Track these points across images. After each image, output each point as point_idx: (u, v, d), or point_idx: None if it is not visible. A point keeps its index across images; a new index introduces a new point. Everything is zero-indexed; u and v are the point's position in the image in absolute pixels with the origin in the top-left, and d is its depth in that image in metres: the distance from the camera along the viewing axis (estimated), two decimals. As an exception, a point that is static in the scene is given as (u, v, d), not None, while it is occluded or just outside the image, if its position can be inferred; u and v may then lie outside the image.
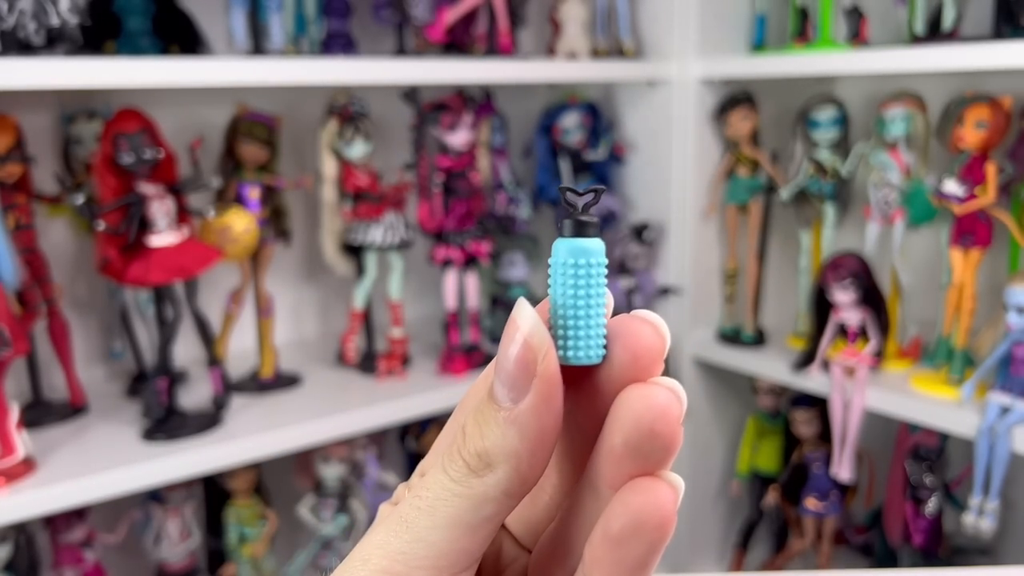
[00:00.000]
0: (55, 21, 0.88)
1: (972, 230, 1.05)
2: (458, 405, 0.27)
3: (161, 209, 0.95)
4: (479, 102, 1.23)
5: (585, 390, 0.23)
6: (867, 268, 1.14)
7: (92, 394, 1.11)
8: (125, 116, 0.93)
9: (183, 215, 0.99)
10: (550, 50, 1.33)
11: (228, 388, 1.05)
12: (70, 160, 1.10)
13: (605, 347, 0.23)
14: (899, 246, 1.17)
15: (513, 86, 1.41)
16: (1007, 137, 1.06)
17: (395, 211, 1.17)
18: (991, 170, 1.02)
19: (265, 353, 1.15)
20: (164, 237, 0.96)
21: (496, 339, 1.35)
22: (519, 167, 1.42)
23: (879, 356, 1.15)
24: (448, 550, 0.22)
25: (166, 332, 1.00)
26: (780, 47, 1.32)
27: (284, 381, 1.15)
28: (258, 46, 1.10)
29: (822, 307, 1.17)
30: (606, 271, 0.23)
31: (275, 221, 1.15)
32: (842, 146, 1.24)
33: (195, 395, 1.10)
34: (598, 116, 1.37)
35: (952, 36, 1.08)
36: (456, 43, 1.24)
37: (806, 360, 1.19)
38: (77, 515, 1.01)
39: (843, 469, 1.17)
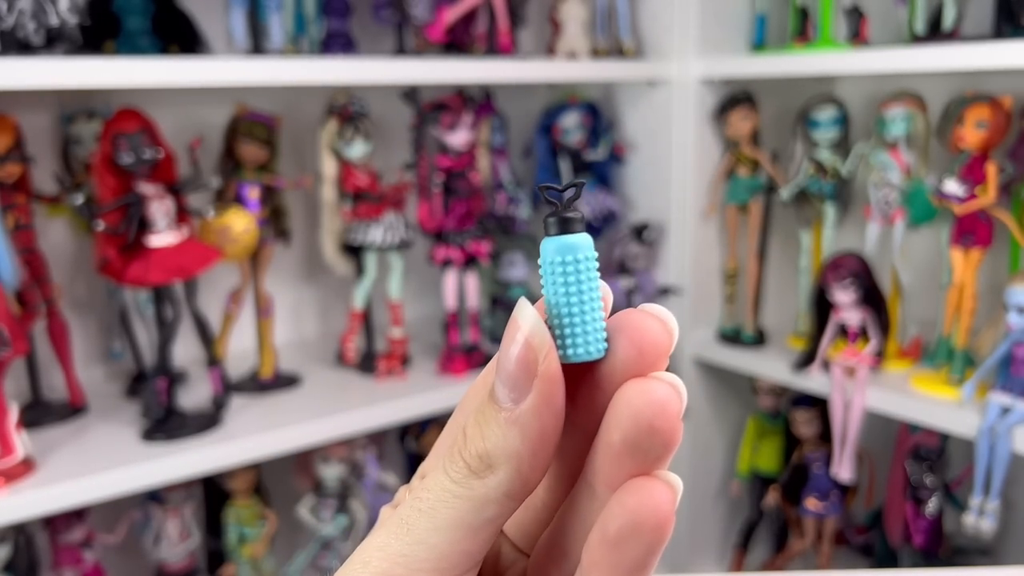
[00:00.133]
0: (54, 21, 0.88)
1: (972, 230, 1.05)
2: (458, 405, 0.26)
3: (160, 209, 0.95)
4: (479, 102, 1.22)
5: (583, 388, 0.23)
6: (867, 268, 1.14)
7: (91, 394, 1.11)
8: (124, 116, 0.93)
9: (182, 215, 0.99)
10: (550, 50, 1.33)
11: (228, 388, 1.05)
12: (69, 160, 1.10)
13: (606, 340, 0.22)
14: (899, 246, 1.17)
15: (513, 86, 1.41)
16: (1007, 137, 1.06)
17: (395, 211, 1.17)
18: (991, 170, 1.02)
19: (265, 353, 1.15)
20: (163, 237, 0.95)
21: (496, 339, 1.35)
22: (519, 167, 1.42)
23: (879, 356, 1.15)
24: (449, 552, 0.21)
25: (165, 332, 1.00)
26: (780, 47, 1.32)
27: (284, 381, 1.15)
28: (258, 46, 1.09)
29: (822, 307, 1.17)
30: (597, 264, 0.23)
31: (275, 221, 1.15)
32: (842, 146, 1.24)
33: (195, 395, 1.10)
34: (598, 116, 1.37)
35: (952, 36, 1.08)
36: (456, 43, 1.23)
37: (806, 360, 1.19)
38: (76, 515, 1.01)
39: (843, 469, 1.17)
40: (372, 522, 1.17)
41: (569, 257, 0.23)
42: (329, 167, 1.14)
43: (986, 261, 1.08)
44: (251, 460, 1.00)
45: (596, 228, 1.37)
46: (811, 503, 1.25)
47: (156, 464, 0.92)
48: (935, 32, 1.09)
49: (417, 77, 1.07)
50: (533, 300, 0.24)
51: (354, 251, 1.20)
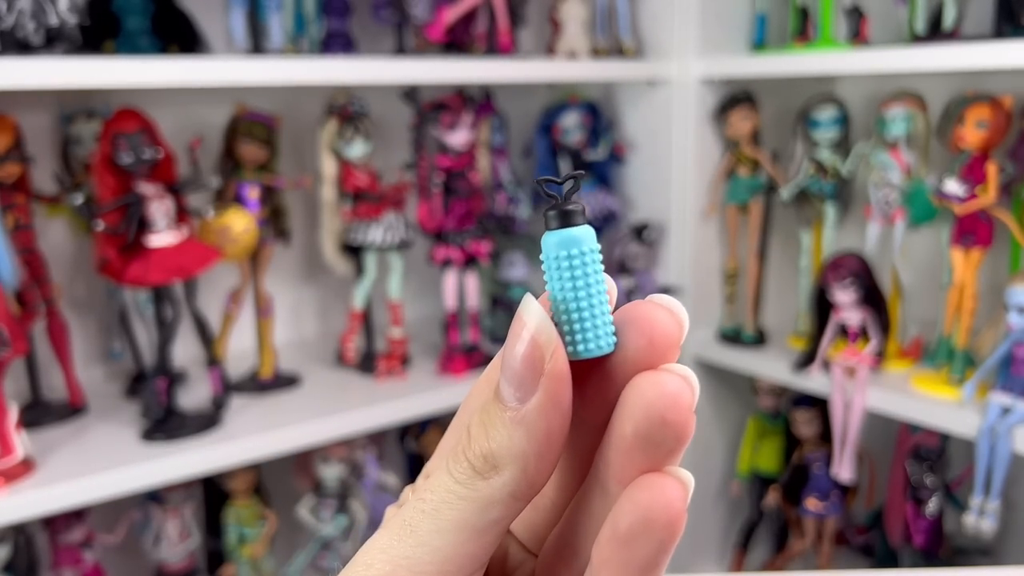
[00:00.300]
0: (54, 21, 0.87)
1: (973, 230, 1.05)
2: (463, 404, 0.26)
3: (160, 209, 0.95)
4: (479, 102, 1.22)
5: (592, 383, 0.23)
6: (868, 268, 1.13)
7: (91, 394, 1.10)
8: (124, 116, 0.93)
9: (182, 215, 0.98)
10: (550, 49, 1.33)
11: (227, 388, 1.05)
12: (69, 160, 1.10)
13: (615, 334, 0.22)
14: (900, 246, 1.17)
15: (513, 86, 1.41)
16: (1008, 137, 1.06)
17: (395, 211, 1.17)
18: (992, 170, 1.02)
19: (264, 353, 1.15)
20: (163, 237, 0.95)
21: (496, 339, 1.35)
22: (519, 167, 1.42)
23: (880, 356, 1.14)
24: (453, 555, 0.21)
25: (165, 332, 0.99)
26: (780, 46, 1.32)
27: (283, 381, 1.15)
28: (257, 46, 1.09)
29: (823, 307, 1.17)
30: (601, 256, 0.22)
31: (274, 221, 1.15)
32: (843, 146, 1.24)
33: (194, 395, 1.10)
34: (598, 116, 1.37)
35: (953, 36, 1.08)
36: (456, 42, 1.23)
37: (807, 360, 1.18)
38: (76, 515, 1.01)
39: (844, 469, 1.17)
40: (372, 522, 1.17)
41: (573, 251, 0.22)
42: (329, 167, 1.14)
43: (986, 261, 1.08)
44: (251, 460, 1.00)
45: (596, 228, 1.35)
46: (811, 503, 1.25)
47: (156, 464, 0.92)
48: (935, 32, 1.09)
49: (417, 77, 1.07)
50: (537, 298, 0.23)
51: (354, 251, 1.20)
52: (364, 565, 0.22)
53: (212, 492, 1.14)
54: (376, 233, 1.16)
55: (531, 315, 0.21)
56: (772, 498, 1.29)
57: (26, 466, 0.89)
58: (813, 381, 1.18)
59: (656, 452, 0.21)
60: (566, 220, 0.22)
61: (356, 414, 1.07)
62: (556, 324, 0.22)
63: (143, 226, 0.95)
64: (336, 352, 1.25)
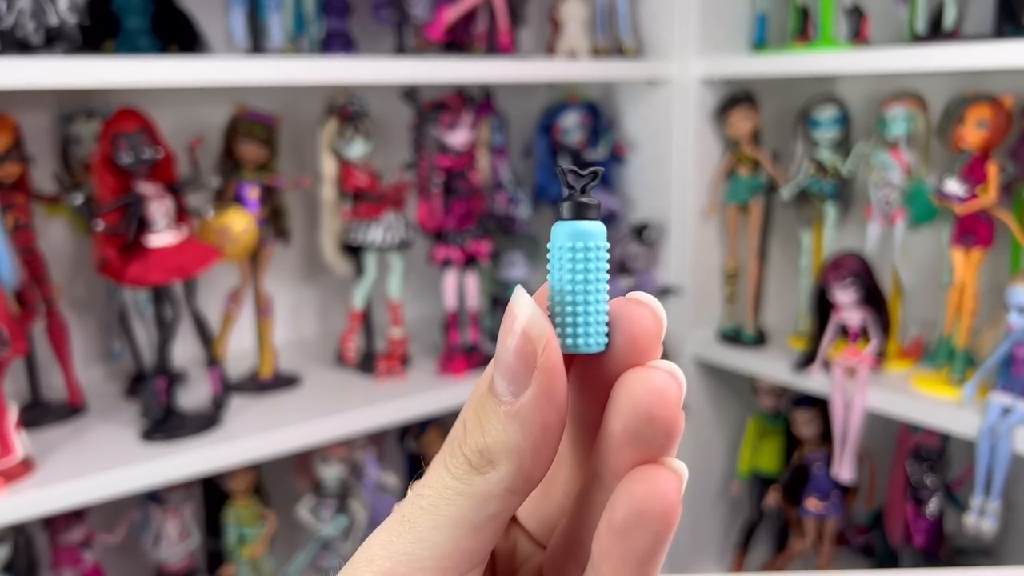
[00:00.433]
0: (54, 20, 0.87)
1: (973, 230, 1.04)
2: (467, 401, 0.26)
3: (160, 209, 0.95)
4: (479, 101, 1.22)
5: (590, 378, 0.23)
6: (868, 268, 1.13)
7: (91, 394, 1.10)
8: (124, 116, 0.93)
9: (182, 215, 0.98)
10: (550, 49, 1.33)
11: (227, 388, 1.05)
12: (69, 160, 1.10)
13: (607, 335, 0.22)
14: (900, 246, 1.17)
15: (513, 85, 1.41)
16: (1008, 137, 1.06)
17: (395, 211, 1.17)
18: (992, 170, 1.02)
19: (264, 353, 1.15)
20: (163, 237, 0.95)
21: (496, 339, 1.35)
22: (519, 167, 1.42)
23: (880, 356, 1.14)
24: (452, 550, 0.21)
25: (165, 332, 0.99)
26: (781, 46, 1.32)
27: (283, 381, 1.15)
28: (257, 45, 1.09)
29: (823, 307, 1.17)
30: (608, 255, 0.22)
31: (274, 221, 1.15)
32: (843, 146, 1.24)
33: (194, 395, 1.10)
34: (598, 116, 1.37)
35: (953, 35, 1.08)
36: (456, 42, 1.23)
37: (807, 360, 1.18)
38: (76, 516, 1.01)
39: (844, 470, 1.17)
40: (372, 523, 1.17)
41: (580, 244, 0.22)
42: (329, 167, 1.14)
43: (987, 261, 1.08)
44: (251, 460, 1.00)
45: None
46: (812, 503, 1.25)
47: (156, 464, 0.92)
48: (936, 32, 1.09)
49: (417, 77, 1.07)
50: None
51: (354, 251, 1.19)
52: (365, 561, 0.22)
53: (212, 492, 1.14)
54: (376, 233, 1.16)
55: (521, 307, 0.21)
56: (772, 498, 1.29)
57: (26, 466, 0.89)
58: (813, 381, 1.18)
59: (647, 447, 0.21)
60: (580, 212, 0.22)
61: (356, 414, 1.07)
62: (551, 316, 0.22)
63: (143, 226, 0.95)
64: (336, 352, 1.25)
